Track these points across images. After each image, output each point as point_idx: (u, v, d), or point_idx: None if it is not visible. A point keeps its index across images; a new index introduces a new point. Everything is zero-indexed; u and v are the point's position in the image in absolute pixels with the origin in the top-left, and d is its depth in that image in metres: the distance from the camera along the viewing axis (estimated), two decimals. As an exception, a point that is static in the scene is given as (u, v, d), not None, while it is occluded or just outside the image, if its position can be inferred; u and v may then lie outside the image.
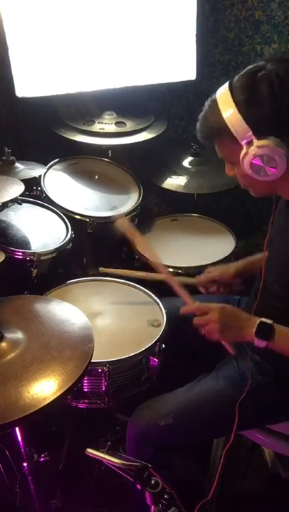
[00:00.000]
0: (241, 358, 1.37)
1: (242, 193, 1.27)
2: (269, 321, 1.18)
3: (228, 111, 1.10)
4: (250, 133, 1.08)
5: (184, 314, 1.32)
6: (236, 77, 1.13)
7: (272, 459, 1.59)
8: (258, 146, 1.08)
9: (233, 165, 1.21)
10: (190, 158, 2.18)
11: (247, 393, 1.27)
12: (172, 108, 2.42)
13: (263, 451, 1.67)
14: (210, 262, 1.82)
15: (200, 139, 1.21)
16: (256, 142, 1.08)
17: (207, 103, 1.18)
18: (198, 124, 1.20)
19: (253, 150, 1.09)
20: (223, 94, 1.12)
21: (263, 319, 1.19)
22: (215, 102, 1.14)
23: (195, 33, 2.10)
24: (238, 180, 1.24)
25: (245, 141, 1.10)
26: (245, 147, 1.10)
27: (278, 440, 1.43)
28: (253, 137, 1.09)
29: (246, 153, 1.10)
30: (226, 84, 1.13)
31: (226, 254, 1.88)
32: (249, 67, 1.12)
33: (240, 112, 1.08)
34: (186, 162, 2.18)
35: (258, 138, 1.08)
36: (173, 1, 2.02)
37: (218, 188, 2.05)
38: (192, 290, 1.72)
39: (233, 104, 1.09)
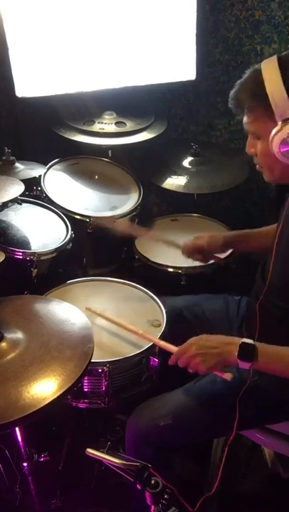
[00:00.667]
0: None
1: (242, 193, 1.27)
2: (250, 341, 1.15)
3: (274, 83, 1.08)
4: None
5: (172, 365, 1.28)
6: (286, 54, 1.12)
7: (272, 459, 1.59)
8: None
9: (257, 140, 1.19)
10: (190, 158, 2.18)
11: (246, 393, 1.27)
12: (172, 108, 2.42)
13: (263, 451, 1.67)
14: (210, 261, 1.82)
15: (231, 104, 1.19)
16: None
17: (249, 71, 1.16)
18: (233, 91, 1.18)
19: (288, 128, 1.07)
20: (270, 65, 1.10)
21: (244, 340, 1.15)
22: (259, 71, 1.12)
23: (195, 33, 2.10)
24: (257, 159, 1.22)
25: (282, 118, 1.08)
26: (280, 124, 1.09)
27: (278, 440, 1.43)
28: None
29: (280, 130, 1.09)
30: (274, 57, 1.11)
31: (226, 255, 1.88)
32: None
33: (285, 86, 1.06)
34: (186, 162, 2.18)
35: None
36: (173, 1, 2.02)
37: (218, 188, 2.05)
38: (192, 289, 1.73)
39: (280, 77, 1.07)
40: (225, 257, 1.73)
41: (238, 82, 1.17)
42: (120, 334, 1.48)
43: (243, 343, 1.15)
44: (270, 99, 1.08)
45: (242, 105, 1.17)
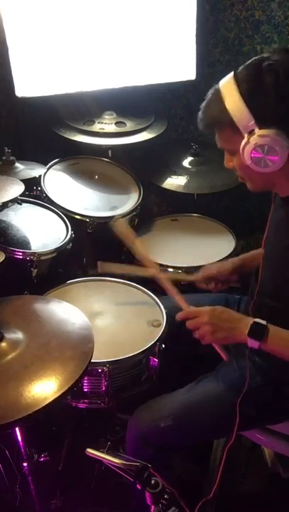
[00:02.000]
0: (241, 359, 1.37)
1: (242, 193, 1.27)
2: (263, 322, 1.17)
3: (232, 99, 1.09)
4: (253, 122, 1.08)
5: (180, 320, 1.32)
6: (240, 68, 1.13)
7: (272, 459, 1.59)
8: (259, 136, 1.08)
9: (232, 155, 1.21)
10: (190, 158, 2.18)
11: (247, 394, 1.27)
12: (172, 108, 2.42)
13: (263, 451, 1.67)
14: (210, 262, 1.82)
15: (201, 127, 1.20)
16: (258, 131, 1.08)
17: (210, 92, 1.17)
18: (199, 113, 1.20)
19: (254, 139, 1.09)
20: (226, 82, 1.12)
21: (257, 320, 1.18)
22: (218, 90, 1.13)
23: (195, 33, 2.10)
24: (236, 172, 1.24)
25: (246, 131, 1.10)
26: (246, 136, 1.10)
27: (278, 440, 1.43)
28: (255, 127, 1.08)
29: (247, 143, 1.10)
30: (231, 74, 1.12)
31: (226, 254, 1.88)
32: (254, 58, 1.12)
33: (243, 100, 1.07)
34: (186, 162, 2.18)
35: (260, 127, 1.08)
36: (173, 1, 2.02)
37: (218, 188, 2.05)
38: (191, 288, 1.73)
39: (236, 92, 1.08)
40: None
41: (202, 105, 1.19)
42: (120, 334, 1.48)
43: (255, 322, 1.17)
44: (232, 115, 1.10)
45: (211, 126, 1.19)
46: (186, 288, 1.80)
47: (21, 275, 1.58)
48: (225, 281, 1.59)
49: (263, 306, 1.32)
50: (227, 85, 1.11)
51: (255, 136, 1.09)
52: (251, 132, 1.09)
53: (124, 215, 1.92)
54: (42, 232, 1.74)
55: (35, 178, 1.89)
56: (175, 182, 2.10)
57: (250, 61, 1.12)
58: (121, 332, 1.49)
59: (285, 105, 1.07)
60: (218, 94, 1.13)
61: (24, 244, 1.65)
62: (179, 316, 1.32)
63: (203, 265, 1.82)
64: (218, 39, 2.23)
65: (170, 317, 1.52)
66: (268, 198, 1.33)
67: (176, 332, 1.51)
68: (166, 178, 2.12)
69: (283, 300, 1.25)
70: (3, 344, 1.14)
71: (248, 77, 1.09)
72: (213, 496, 1.16)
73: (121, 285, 1.69)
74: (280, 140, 1.07)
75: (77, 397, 1.41)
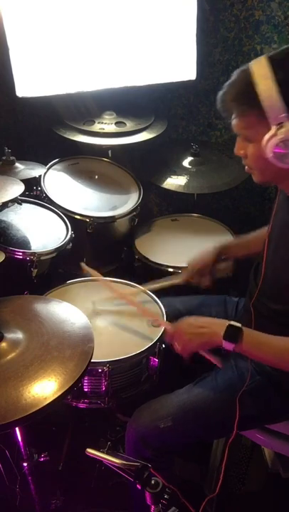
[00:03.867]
0: (240, 359, 1.37)
1: (242, 193, 1.26)
2: (238, 324, 1.17)
3: (265, 85, 1.02)
4: (284, 114, 1.03)
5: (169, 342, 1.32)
6: (275, 53, 1.06)
7: (272, 459, 1.59)
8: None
9: (248, 143, 1.15)
10: (190, 158, 2.18)
11: (246, 394, 1.27)
12: (172, 108, 2.42)
13: (263, 451, 1.67)
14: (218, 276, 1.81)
15: (220, 106, 1.14)
16: (288, 125, 1.03)
17: (237, 72, 1.10)
18: (221, 93, 1.13)
19: (282, 133, 1.04)
20: (260, 66, 1.04)
21: (232, 322, 1.17)
22: (248, 72, 1.06)
23: (195, 32, 2.10)
24: (246, 160, 1.18)
25: (275, 122, 1.04)
26: (274, 128, 1.05)
27: (278, 440, 1.44)
28: (286, 119, 1.03)
29: (274, 135, 1.05)
30: (264, 58, 1.05)
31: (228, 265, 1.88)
32: None
33: (279, 89, 1.02)
34: (186, 162, 2.18)
35: None
36: (173, 1, 2.02)
37: (218, 188, 2.05)
38: (192, 289, 1.73)
39: (272, 78, 1.02)
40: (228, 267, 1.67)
41: (227, 84, 1.12)
42: (120, 334, 1.48)
43: (230, 324, 1.17)
44: (263, 102, 1.04)
45: (231, 108, 1.13)
46: (186, 288, 1.80)
47: (21, 275, 1.58)
48: (214, 271, 1.56)
49: (263, 307, 1.31)
50: (261, 69, 1.04)
51: (284, 129, 1.03)
52: (280, 124, 1.04)
53: (124, 215, 1.92)
54: (42, 232, 1.74)
55: (35, 178, 1.89)
56: (175, 182, 2.10)
57: (285, 48, 1.06)
58: (121, 332, 1.49)
59: None
60: (248, 76, 1.05)
61: (24, 244, 1.65)
62: (166, 338, 1.32)
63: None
64: (218, 39, 2.23)
65: (170, 317, 1.52)
66: (268, 197, 1.32)
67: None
68: (166, 178, 2.12)
69: (285, 302, 1.25)
70: (3, 344, 1.14)
71: (287, 65, 1.03)
72: (218, 492, 1.15)
73: (121, 285, 1.69)
74: None
75: (77, 397, 1.41)
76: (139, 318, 1.53)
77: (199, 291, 1.65)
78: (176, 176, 2.13)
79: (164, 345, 1.42)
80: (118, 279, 1.71)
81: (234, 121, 1.14)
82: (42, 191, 1.88)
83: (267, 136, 1.06)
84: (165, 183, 2.11)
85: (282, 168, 1.10)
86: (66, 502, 1.62)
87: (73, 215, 1.84)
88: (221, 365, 1.27)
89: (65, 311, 1.30)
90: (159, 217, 2.21)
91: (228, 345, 1.16)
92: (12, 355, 1.12)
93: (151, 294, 1.62)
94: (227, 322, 1.18)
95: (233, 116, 1.13)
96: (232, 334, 1.16)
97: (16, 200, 1.61)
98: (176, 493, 0.95)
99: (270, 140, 1.06)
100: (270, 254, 1.30)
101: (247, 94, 1.06)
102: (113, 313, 1.56)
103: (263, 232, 1.38)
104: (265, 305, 1.30)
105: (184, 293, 1.73)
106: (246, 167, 1.21)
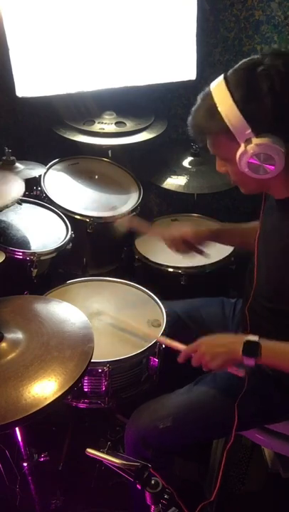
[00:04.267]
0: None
1: (242, 193, 1.26)
2: (255, 338, 1.16)
3: (226, 107, 1.05)
4: (249, 130, 1.05)
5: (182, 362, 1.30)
6: (231, 72, 1.08)
7: (272, 459, 1.59)
8: (256, 144, 1.05)
9: (225, 161, 1.18)
10: (190, 158, 2.18)
11: (246, 394, 1.27)
12: (172, 108, 2.42)
13: (263, 451, 1.67)
14: (210, 262, 1.82)
15: (192, 134, 1.16)
16: (255, 140, 1.05)
17: (200, 97, 1.13)
18: (190, 119, 1.15)
19: (251, 148, 1.06)
20: (218, 89, 1.07)
21: (249, 337, 1.17)
22: (209, 96, 1.09)
23: (195, 33, 2.10)
24: (229, 176, 1.21)
25: (243, 139, 1.07)
26: (243, 145, 1.07)
27: (278, 440, 1.43)
28: (252, 135, 1.06)
29: (245, 152, 1.07)
30: (220, 79, 1.08)
31: (226, 254, 1.89)
32: (244, 60, 1.08)
33: (238, 108, 1.04)
34: (186, 162, 2.18)
35: (257, 135, 1.06)
36: (173, 1, 2.02)
37: (218, 188, 2.05)
38: (192, 288, 1.73)
39: (231, 100, 1.05)
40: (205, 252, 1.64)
41: (193, 109, 1.15)
42: (120, 334, 1.48)
43: (247, 340, 1.17)
44: (228, 123, 1.06)
45: (202, 132, 1.15)
46: (186, 288, 1.81)
47: (21, 275, 1.58)
48: (192, 247, 1.54)
49: (259, 308, 1.32)
50: (219, 91, 1.07)
51: (252, 144, 1.06)
52: (248, 141, 1.06)
53: (124, 215, 1.92)
54: (42, 232, 1.74)
55: (35, 178, 1.89)
56: (175, 182, 2.10)
57: (240, 65, 1.08)
58: (121, 332, 1.49)
59: (281, 112, 1.04)
60: (209, 101, 1.09)
61: (24, 244, 1.65)
62: (179, 359, 1.30)
63: (203, 265, 1.83)
64: (218, 39, 2.23)
65: (170, 317, 1.52)
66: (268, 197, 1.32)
67: (176, 332, 1.51)
68: (166, 178, 2.12)
69: (279, 301, 1.25)
70: (3, 344, 1.14)
71: (242, 83, 1.05)
72: (214, 498, 1.16)
73: (121, 285, 1.69)
74: (277, 147, 1.05)
75: (77, 397, 1.41)
76: (139, 318, 1.53)
77: (199, 291, 1.65)
78: (176, 176, 2.13)
79: (163, 346, 1.42)
80: (118, 279, 1.71)
81: (208, 144, 1.17)
82: (42, 191, 1.88)
83: (239, 153, 1.09)
84: (165, 183, 2.11)
85: (262, 178, 1.12)
86: (66, 502, 1.62)
87: (73, 215, 1.84)
88: (242, 374, 1.25)
89: (65, 311, 1.30)
90: (159, 217, 2.21)
91: (248, 361, 1.16)
92: (12, 355, 1.12)
93: (150, 293, 1.62)
94: (244, 338, 1.17)
95: (207, 139, 1.16)
96: (250, 350, 1.16)
97: (16, 200, 1.61)
98: (173, 494, 0.95)
99: (242, 156, 1.09)
100: (261, 256, 1.30)
101: (212, 117, 1.08)
102: (113, 314, 1.56)
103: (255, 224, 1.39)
104: (261, 304, 1.31)
105: (183, 292, 1.74)
106: (232, 181, 1.23)
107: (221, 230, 1.58)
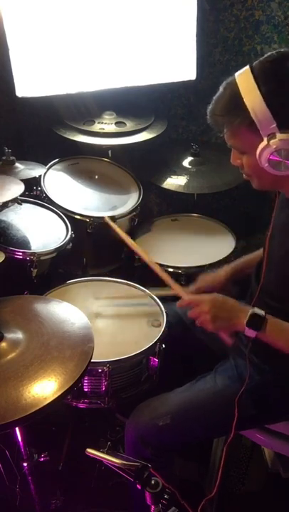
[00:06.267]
0: (239, 359, 1.37)
1: (242, 192, 1.26)
2: (262, 312, 1.18)
3: (252, 99, 1.03)
4: (274, 125, 1.04)
5: (180, 308, 1.33)
6: (258, 63, 1.06)
7: (272, 459, 1.59)
8: (281, 140, 1.04)
9: (242, 154, 1.16)
10: (190, 158, 2.18)
11: (246, 393, 1.27)
12: (172, 108, 2.42)
13: (263, 451, 1.67)
14: (210, 262, 1.82)
15: (211, 123, 1.15)
16: (279, 135, 1.04)
17: (224, 86, 1.10)
18: (210, 108, 1.14)
19: (275, 143, 1.04)
20: (244, 80, 1.05)
21: (256, 310, 1.19)
22: (234, 86, 1.06)
23: (195, 32, 2.10)
24: (243, 169, 1.20)
25: (266, 133, 1.05)
26: (265, 139, 1.06)
27: (278, 440, 1.43)
28: (277, 130, 1.04)
29: (267, 146, 1.06)
30: (247, 70, 1.05)
31: (226, 254, 1.88)
32: (272, 53, 1.06)
33: (265, 101, 1.02)
34: (186, 162, 2.18)
35: (281, 131, 1.04)
36: (173, 1, 2.02)
37: (218, 188, 2.05)
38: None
39: (258, 91, 1.02)
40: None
41: (215, 97, 1.13)
42: (120, 334, 1.48)
43: (254, 313, 1.18)
44: (251, 113, 1.04)
45: (221, 122, 1.13)
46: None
47: (21, 275, 1.58)
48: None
49: (264, 307, 1.31)
50: (246, 82, 1.04)
51: (276, 140, 1.04)
52: (271, 135, 1.05)
53: (124, 215, 1.92)
54: (42, 232, 1.74)
55: (35, 178, 1.89)
56: (175, 182, 2.10)
57: (268, 56, 1.05)
58: (121, 332, 1.49)
59: None
60: (234, 90, 1.06)
61: (24, 244, 1.65)
62: (179, 303, 1.32)
63: (203, 265, 1.82)
64: (218, 39, 2.23)
65: (170, 317, 1.52)
66: (268, 198, 1.32)
67: (176, 332, 1.51)
68: (166, 178, 2.12)
69: (286, 301, 1.25)
70: (3, 344, 1.14)
71: (270, 75, 1.03)
72: (215, 493, 1.16)
73: (121, 285, 1.69)
74: None
75: (77, 397, 1.41)
76: (139, 318, 1.53)
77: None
78: (176, 176, 2.12)
79: (164, 346, 1.42)
80: (118, 279, 1.71)
81: (226, 135, 1.15)
82: (42, 191, 1.88)
83: (260, 147, 1.07)
84: (165, 183, 2.11)
85: (280, 175, 1.11)
86: (66, 502, 1.62)
87: (73, 215, 1.84)
88: (230, 343, 1.26)
89: (65, 311, 1.30)
90: (159, 217, 2.20)
91: (250, 333, 1.18)
92: (12, 355, 1.12)
93: (151, 294, 1.62)
94: (251, 309, 1.19)
95: (225, 130, 1.14)
96: (255, 322, 1.17)
97: (16, 200, 1.61)
98: (174, 494, 0.95)
99: (263, 151, 1.07)
100: (271, 254, 1.30)
101: (236, 108, 1.07)
102: (113, 314, 1.56)
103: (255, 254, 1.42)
104: (267, 304, 1.30)
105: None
106: (244, 175, 1.22)
107: (236, 267, 1.56)
